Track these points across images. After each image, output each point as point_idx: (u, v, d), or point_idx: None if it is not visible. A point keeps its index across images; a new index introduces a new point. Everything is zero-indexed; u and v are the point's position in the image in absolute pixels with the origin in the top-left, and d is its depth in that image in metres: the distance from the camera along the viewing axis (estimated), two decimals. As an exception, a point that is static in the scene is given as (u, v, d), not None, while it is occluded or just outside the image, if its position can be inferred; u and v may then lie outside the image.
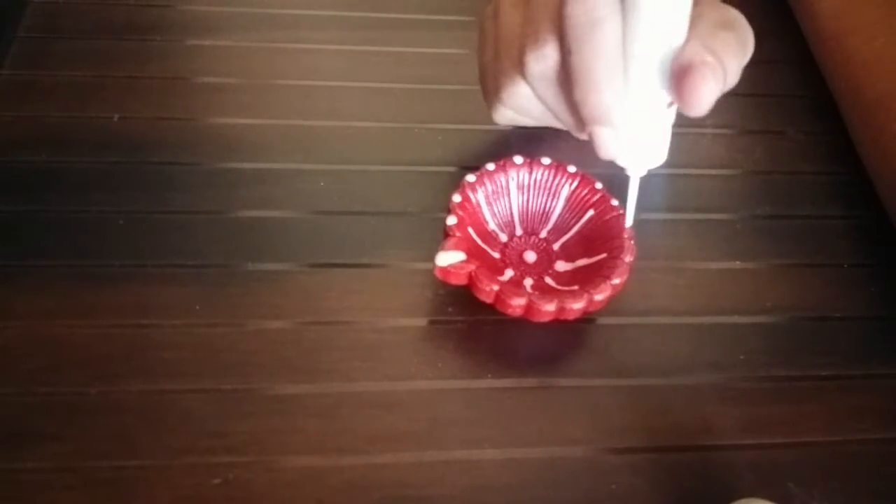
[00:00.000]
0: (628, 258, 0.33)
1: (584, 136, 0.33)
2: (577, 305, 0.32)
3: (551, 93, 0.33)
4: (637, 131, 0.32)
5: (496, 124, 0.39)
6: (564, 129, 0.37)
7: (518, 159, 0.36)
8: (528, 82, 0.33)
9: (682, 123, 0.43)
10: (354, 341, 0.33)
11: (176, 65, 0.43)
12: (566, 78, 0.31)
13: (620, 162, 0.33)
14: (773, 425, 0.32)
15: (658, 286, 0.36)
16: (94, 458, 0.29)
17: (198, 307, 0.33)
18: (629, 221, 0.34)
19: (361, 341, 0.33)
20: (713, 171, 0.41)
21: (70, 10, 0.45)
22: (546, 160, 0.36)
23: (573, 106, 0.31)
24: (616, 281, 0.32)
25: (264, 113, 0.41)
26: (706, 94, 0.29)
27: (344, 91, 0.43)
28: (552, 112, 0.34)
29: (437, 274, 0.32)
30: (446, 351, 0.33)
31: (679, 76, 0.29)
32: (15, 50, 0.43)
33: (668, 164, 0.38)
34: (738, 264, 0.37)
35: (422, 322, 0.34)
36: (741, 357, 0.34)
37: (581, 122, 0.31)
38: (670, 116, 0.33)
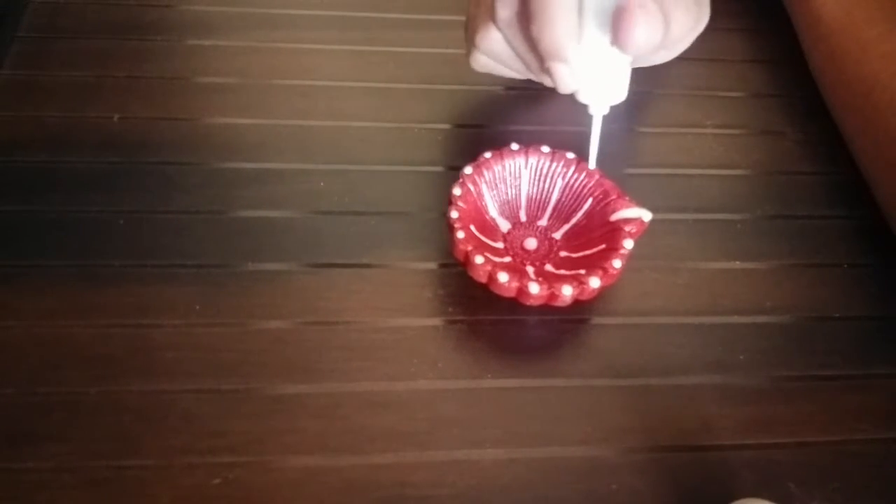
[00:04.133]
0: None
1: (548, 83, 0.36)
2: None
3: (517, 36, 0.35)
4: (593, 68, 0.34)
5: (496, 125, 0.39)
6: (533, 78, 0.40)
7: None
8: (498, 27, 0.36)
9: (683, 123, 0.43)
10: (354, 341, 0.33)
11: (176, 65, 0.43)
12: (526, 19, 0.34)
13: (581, 98, 0.36)
14: (773, 425, 0.32)
15: (658, 286, 0.36)
16: (94, 458, 0.29)
17: (198, 307, 0.33)
18: (592, 164, 0.36)
19: (361, 341, 0.33)
20: (713, 171, 0.41)
21: (70, 10, 0.45)
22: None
23: (533, 45, 0.34)
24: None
25: (264, 113, 0.41)
26: (637, 36, 0.32)
27: (344, 91, 0.43)
28: (518, 55, 0.37)
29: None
30: (446, 351, 0.33)
31: (616, 17, 0.32)
32: (15, 50, 0.43)
33: (668, 164, 0.38)
34: (737, 264, 0.37)
35: (421, 322, 0.34)
36: (741, 357, 0.34)
37: (541, 61, 0.34)
38: (627, 56, 0.35)
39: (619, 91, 0.36)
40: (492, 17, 0.36)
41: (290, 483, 0.29)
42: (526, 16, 0.34)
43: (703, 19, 0.39)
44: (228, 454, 0.29)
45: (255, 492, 0.29)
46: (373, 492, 0.29)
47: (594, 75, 0.35)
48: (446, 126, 0.41)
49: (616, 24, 0.32)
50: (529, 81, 0.41)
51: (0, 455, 0.29)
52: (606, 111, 0.36)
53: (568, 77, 0.34)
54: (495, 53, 0.38)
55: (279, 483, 0.29)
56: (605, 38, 0.33)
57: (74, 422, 0.30)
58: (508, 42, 0.36)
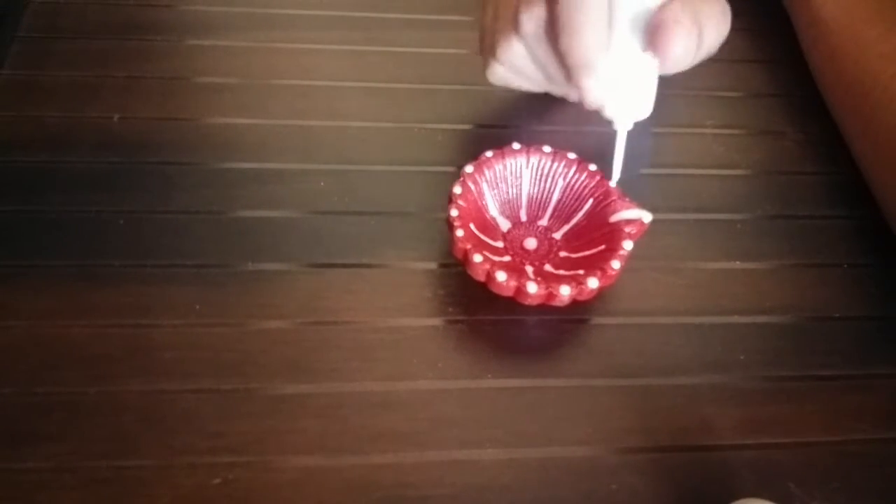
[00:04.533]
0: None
1: (573, 96, 0.35)
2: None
3: (542, 49, 0.35)
4: (620, 82, 0.34)
5: (496, 125, 0.39)
6: (553, 91, 0.39)
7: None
8: (521, 40, 0.35)
9: (683, 123, 0.43)
10: (354, 341, 0.33)
11: (176, 65, 0.43)
12: (554, 32, 0.33)
13: (607, 113, 0.35)
14: (773, 425, 0.32)
15: (658, 286, 0.36)
16: (94, 458, 0.29)
17: (198, 307, 0.33)
18: (615, 178, 0.36)
19: (361, 341, 0.33)
20: (713, 171, 0.41)
21: (70, 10, 0.45)
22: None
23: (561, 58, 0.34)
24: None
25: (264, 113, 0.41)
26: (676, 51, 0.32)
27: (344, 91, 0.43)
28: (542, 69, 0.36)
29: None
30: (446, 351, 0.33)
31: (653, 32, 0.32)
32: (15, 50, 0.43)
33: (668, 164, 0.38)
34: (737, 264, 0.37)
35: (421, 322, 0.34)
36: (741, 357, 0.34)
37: (568, 74, 0.34)
38: (654, 70, 0.35)
39: (644, 105, 0.35)
40: (515, 29, 0.35)
41: (290, 483, 0.29)
42: (553, 29, 0.33)
43: (727, 31, 0.38)
44: (228, 454, 0.29)
45: (255, 492, 0.29)
46: (373, 492, 0.29)
47: (621, 89, 0.34)
48: (446, 126, 0.41)
49: (654, 40, 0.32)
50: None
51: (0, 455, 0.29)
52: (631, 126, 0.36)
53: (595, 91, 0.34)
54: (517, 67, 0.37)
55: (279, 483, 0.29)
56: (635, 52, 0.33)
57: (74, 422, 0.30)
58: (532, 55, 0.36)
